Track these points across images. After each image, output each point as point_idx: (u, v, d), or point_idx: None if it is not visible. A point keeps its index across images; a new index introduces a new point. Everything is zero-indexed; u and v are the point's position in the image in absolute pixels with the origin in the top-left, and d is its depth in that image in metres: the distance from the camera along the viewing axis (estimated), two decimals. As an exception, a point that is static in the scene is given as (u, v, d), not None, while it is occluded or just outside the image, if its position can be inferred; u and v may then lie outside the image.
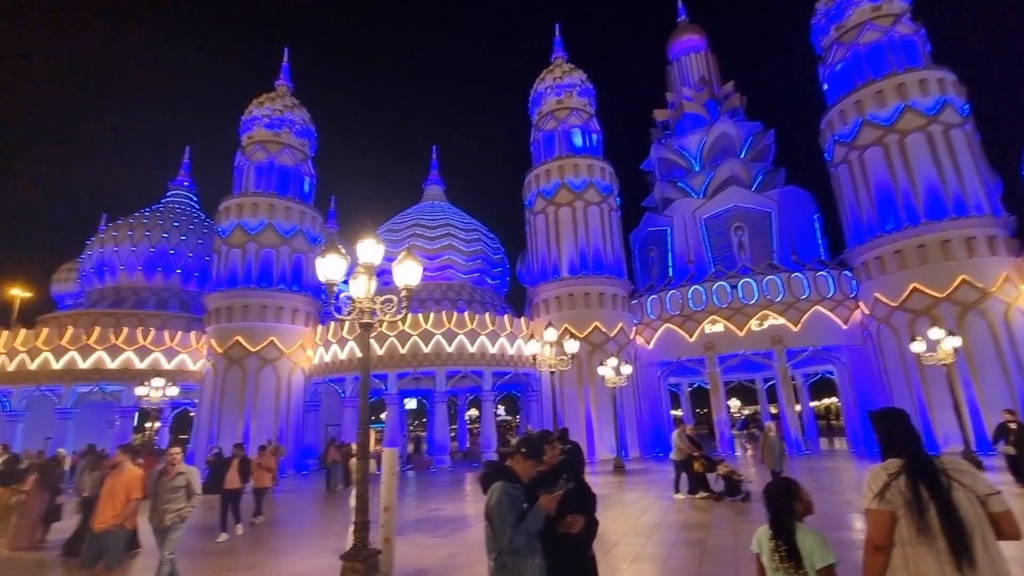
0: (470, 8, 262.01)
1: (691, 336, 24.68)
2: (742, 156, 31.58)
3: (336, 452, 17.87)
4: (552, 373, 14.25)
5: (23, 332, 24.57)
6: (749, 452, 24.67)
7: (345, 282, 6.33)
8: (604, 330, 24.63)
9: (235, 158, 28.35)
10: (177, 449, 6.65)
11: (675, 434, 12.31)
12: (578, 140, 27.88)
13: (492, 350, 24.55)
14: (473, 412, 50.00)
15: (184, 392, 24.44)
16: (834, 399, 54.32)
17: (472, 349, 24.09)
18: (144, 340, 25.02)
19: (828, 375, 27.66)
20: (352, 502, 6.92)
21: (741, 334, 23.69)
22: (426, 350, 23.56)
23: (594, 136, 28.58)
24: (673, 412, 29.79)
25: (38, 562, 8.92)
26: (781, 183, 30.10)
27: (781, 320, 23.26)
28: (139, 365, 24.44)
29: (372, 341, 23.52)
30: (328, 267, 5.89)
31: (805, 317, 23.03)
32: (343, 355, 24.51)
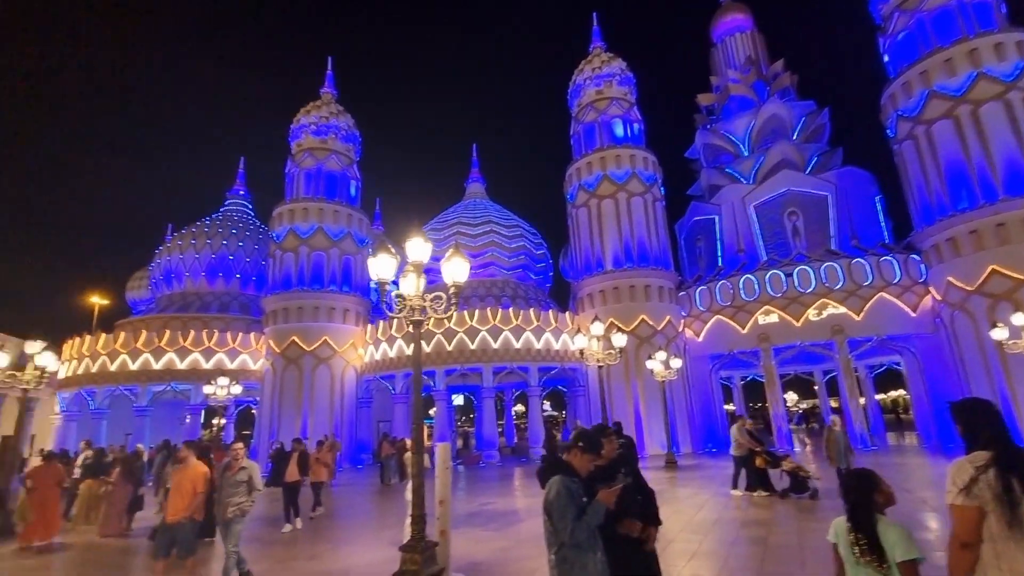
0: (506, 3, 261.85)
1: (743, 328, 23.80)
2: (794, 138, 30.11)
3: (389, 447, 18.38)
4: (600, 367, 14.06)
5: (103, 336, 26.58)
6: (808, 448, 23.59)
7: (394, 282, 6.47)
8: (651, 323, 24.14)
9: (286, 165, 29.54)
10: (240, 445, 6.88)
11: (735, 428, 11.89)
12: (619, 130, 27.35)
13: (537, 345, 24.54)
14: (519, 408, 50.27)
15: (246, 390, 25.79)
16: (901, 392, 51.16)
17: (517, 345, 24.17)
18: (209, 342, 26.53)
19: (895, 366, 26.01)
20: (408, 495, 7.09)
21: (798, 324, 22.64)
22: (472, 347, 23.82)
23: (635, 125, 27.96)
24: (726, 406, 28.85)
25: (125, 548, 9.63)
26: (838, 164, 28.49)
27: (842, 309, 22.06)
28: (205, 365, 25.94)
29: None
30: (380, 267, 6.03)
31: (868, 305, 21.74)
32: (392, 353, 25.14)
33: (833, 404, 37.15)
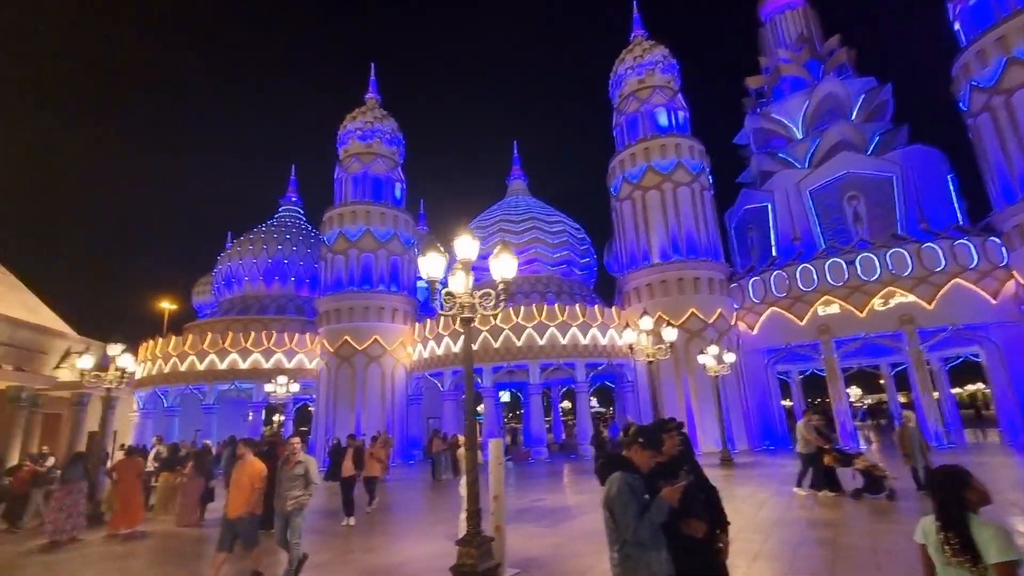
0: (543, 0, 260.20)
1: (801, 319, 22.71)
2: (853, 117, 28.39)
3: (441, 443, 18.70)
4: (650, 363, 13.76)
5: (173, 339, 28.38)
6: (874, 445, 22.26)
7: (441, 281, 6.53)
8: (701, 316, 23.41)
9: (334, 171, 30.55)
10: (296, 439, 7.02)
11: (801, 424, 11.31)
12: (663, 119, 26.62)
13: (584, 341, 24.31)
14: (566, 404, 50.04)
15: (303, 388, 26.91)
16: (980, 385, 47.42)
17: (564, 341, 24.04)
18: (268, 343, 27.82)
19: (972, 358, 24.12)
20: (462, 491, 7.17)
21: (862, 315, 21.39)
22: (519, 343, 23.87)
23: (680, 114, 27.14)
24: (783, 402, 27.62)
25: (200, 537, 10.25)
26: (903, 143, 26.64)
27: (911, 297, 20.66)
28: (265, 365, 27.22)
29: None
30: (430, 265, 6.11)
31: (941, 292, 20.26)
32: (440, 351, 25.56)
33: (902, 399, 34.93)
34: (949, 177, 24.62)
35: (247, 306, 33.69)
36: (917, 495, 9.92)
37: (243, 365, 27.19)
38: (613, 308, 26.50)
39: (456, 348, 24.84)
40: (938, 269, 20.46)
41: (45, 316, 28.29)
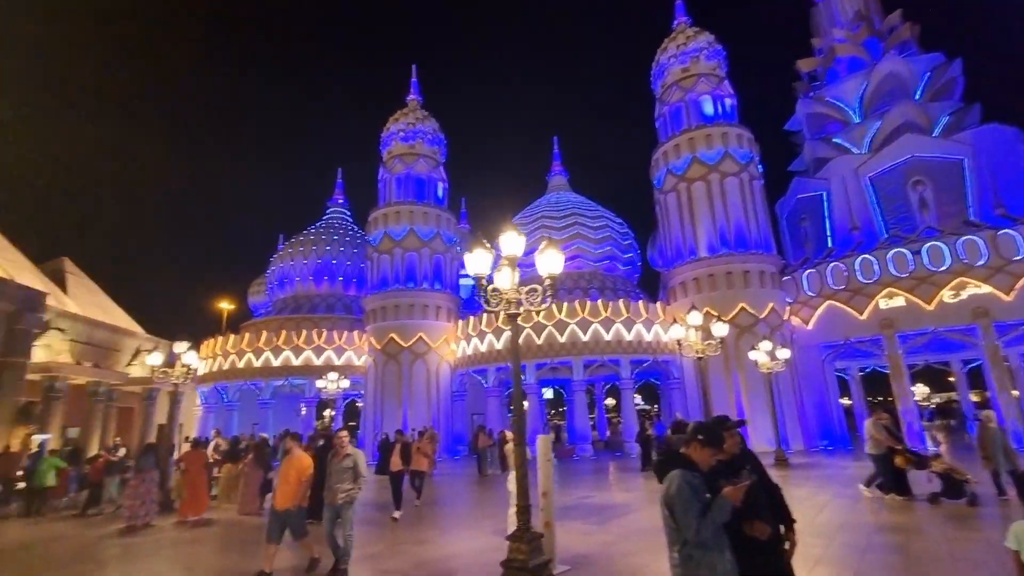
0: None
1: (861, 313, 21.51)
2: (918, 97, 26.59)
3: (487, 438, 18.84)
4: (700, 359, 13.38)
5: (232, 337, 29.87)
6: (944, 447, 20.82)
7: (488, 278, 6.54)
8: (752, 311, 22.56)
9: (378, 173, 31.28)
10: (344, 432, 7.12)
11: (869, 423, 10.66)
12: (708, 108, 25.76)
13: (628, 337, 23.93)
14: (610, 401, 49.42)
15: (352, 384, 27.73)
16: (1066, 383, 43.54)
17: (608, 337, 23.74)
18: (318, 340, 28.85)
19: (1058, 353, 22.20)
20: (510, 486, 7.18)
21: (929, 307, 20.05)
22: (562, 340, 23.74)
23: (727, 101, 26.18)
24: (842, 400, 26.25)
25: (260, 525, 10.68)
26: (975, 122, 24.74)
27: (985, 288, 19.20)
28: (316, 362, 28.23)
29: (509, 334, 24.45)
30: (476, 262, 6.13)
31: (1021, 283, 18.72)
32: (483, 347, 25.76)
33: (974, 398, 32.58)
34: (1029, 158, 22.71)
35: (299, 305, 35.03)
36: (999, 501, 9.22)
37: (296, 362, 28.30)
38: (658, 304, 25.95)
39: (499, 345, 24.97)
40: (1017, 258, 18.91)
41: (117, 316, 30.36)
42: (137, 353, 28.00)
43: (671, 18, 28.85)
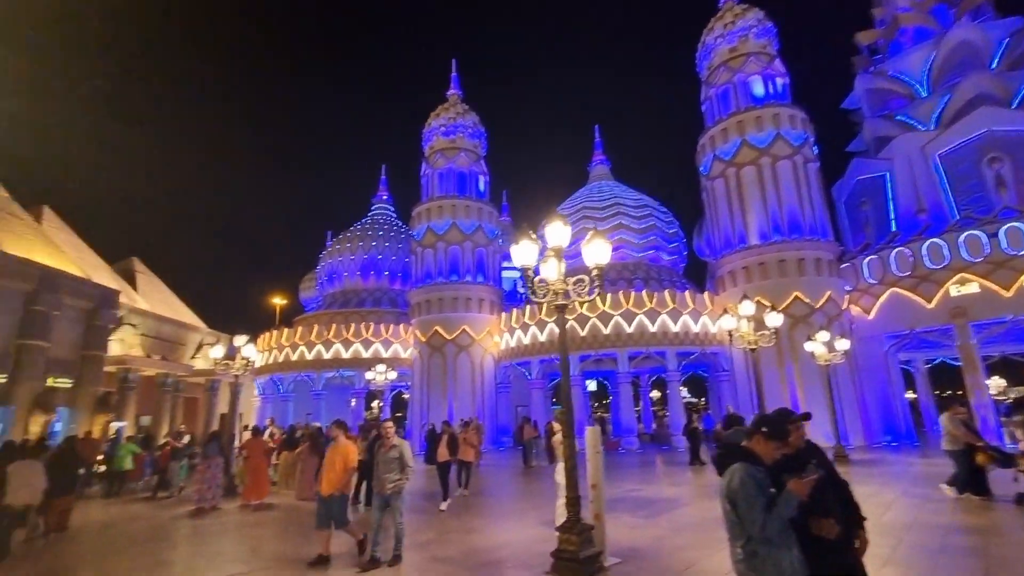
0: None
1: (929, 301, 20.13)
2: (994, 66, 24.46)
3: (532, 430, 18.91)
4: (753, 350, 12.90)
5: (285, 331, 31.18)
6: (1022, 444, 19.28)
7: (517, 269, 6.50)
8: (807, 300, 21.52)
9: (421, 168, 31.74)
10: (389, 423, 7.17)
11: (945, 418, 9.96)
12: (759, 89, 24.61)
13: (675, 328, 23.39)
14: (655, 393, 48.58)
15: (399, 376, 28.44)
16: None
17: (653, 328, 23.29)
18: (366, 333, 29.69)
19: None
20: (558, 478, 7.17)
21: (1008, 294, 18.53)
22: (606, 331, 23.48)
23: (779, 80, 24.93)
24: (907, 394, 24.73)
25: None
26: (1061, 91, 22.57)
27: (1074, 273, 17.56)
28: (365, 355, 29.09)
29: (552, 326, 24.37)
30: (522, 253, 6.11)
31: (1116, 266, 17.02)
32: (527, 340, 25.80)
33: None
34: None
35: (347, 300, 36.18)
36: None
37: (345, 355, 29.24)
38: (705, 294, 25.22)
39: (543, 337, 24.95)
40: (1112, 238, 17.19)
41: (181, 312, 32.26)
42: (200, 346, 29.71)
43: (717, -2, 27.71)
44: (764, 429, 2.85)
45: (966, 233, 19.54)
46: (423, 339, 27.80)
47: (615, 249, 30.99)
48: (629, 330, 23.29)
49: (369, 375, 24.29)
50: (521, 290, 40.00)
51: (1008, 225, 18.79)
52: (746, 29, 25.24)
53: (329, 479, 6.69)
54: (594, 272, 6.20)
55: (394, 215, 42.22)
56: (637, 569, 6.14)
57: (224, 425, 20.72)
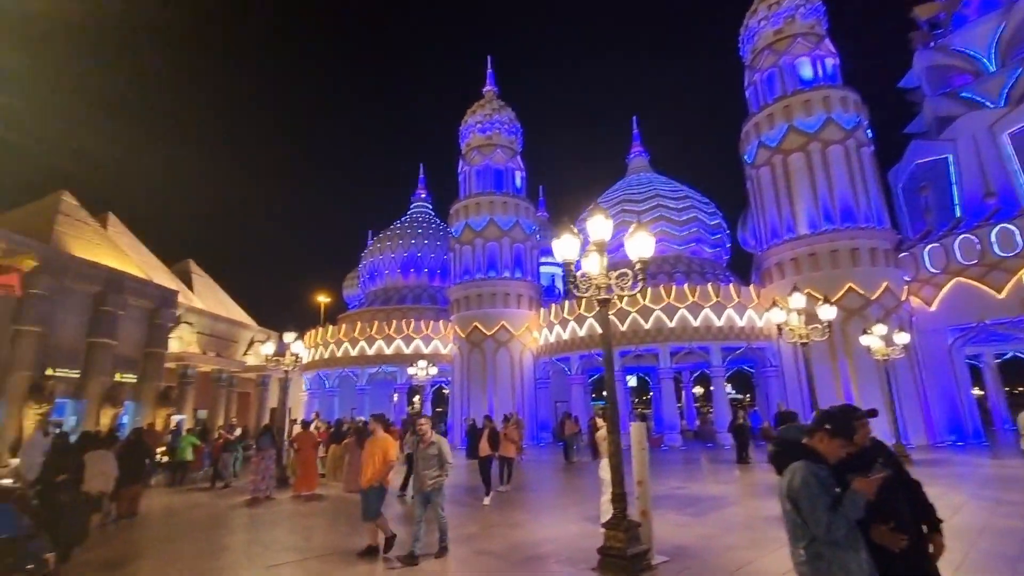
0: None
1: (999, 291, 18.79)
2: (1071, 35, 22.52)
3: (573, 425, 18.82)
4: (803, 345, 12.39)
5: (330, 328, 32.16)
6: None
7: (561, 264, 6.42)
8: (862, 292, 20.48)
9: (458, 165, 32.00)
10: (423, 419, 7.12)
11: (1023, 418, 9.36)
12: (807, 71, 23.50)
13: (719, 323, 22.73)
14: (698, 390, 47.46)
15: (440, 372, 28.85)
16: None
17: (696, 323, 22.71)
18: (407, 330, 30.26)
19: None
20: (602, 474, 7.11)
21: (1090, 283, 17.09)
22: (646, 326, 23.06)
23: (828, 61, 23.73)
24: (974, 391, 23.18)
25: (363, 502, 11.50)
26: None
27: None
28: (406, 351, 29.66)
29: (592, 321, 24.14)
30: (564, 247, 6.06)
31: None
32: (566, 335, 25.67)
33: None
34: None
35: (388, 297, 36.97)
36: None
37: (387, 351, 29.89)
38: (751, 287, 24.39)
39: (582, 332, 24.76)
40: None
41: (234, 310, 33.77)
42: (251, 343, 31.03)
43: (760, -22, 26.56)
44: (828, 426, 2.72)
45: (1041, 217, 18.12)
46: (462, 335, 28.08)
47: (656, 242, 30.53)
48: (671, 325, 22.80)
49: (411, 371, 24.74)
50: (559, 286, 39.84)
51: (1091, 207, 17.29)
52: (792, 9, 24.14)
53: (368, 472, 6.80)
54: (637, 266, 6.09)
55: (432, 213, 42.82)
56: (686, 568, 6.01)
57: (274, 419, 21.61)
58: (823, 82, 23.16)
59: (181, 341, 25.40)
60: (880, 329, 15.55)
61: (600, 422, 7.97)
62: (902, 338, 16.26)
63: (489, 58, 33.28)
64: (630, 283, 6.14)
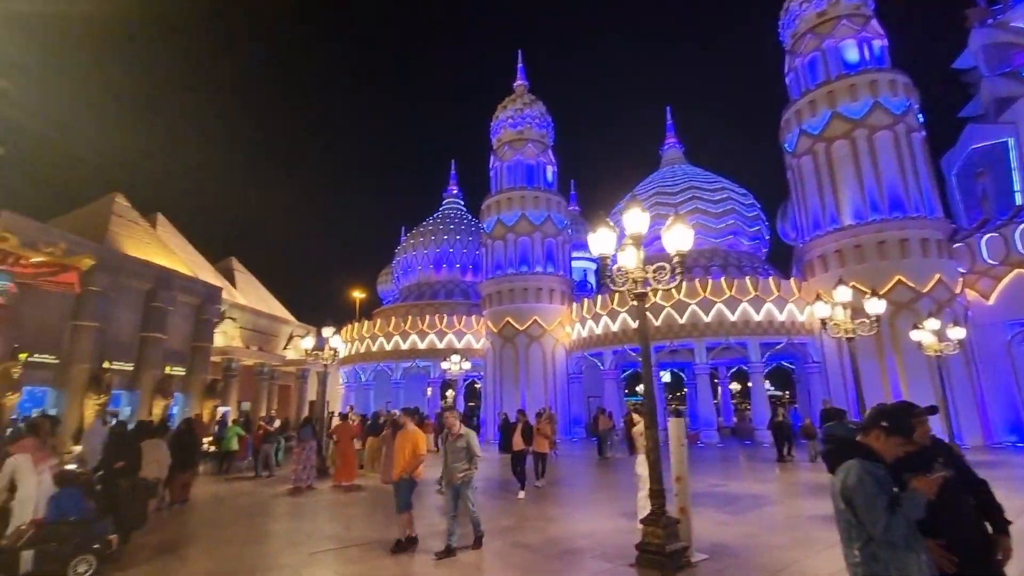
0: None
1: (1066, 283, 17.60)
2: None
3: (607, 420, 18.69)
4: (849, 340, 11.91)
5: (366, 323, 32.85)
6: None
7: (593, 259, 6.34)
8: (912, 285, 19.52)
9: (489, 161, 32.06)
10: (450, 413, 7.10)
11: None
12: (852, 54, 22.46)
13: (757, 317, 22.11)
14: (735, 386, 46.34)
15: (473, 366, 29.08)
16: None
17: (733, 318, 22.15)
18: (440, 325, 30.62)
19: None
20: (639, 469, 7.03)
21: None
22: (681, 321, 22.64)
23: (876, 44, 22.62)
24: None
25: (400, 493, 11.72)
26: None
27: None
28: (439, 345, 30.02)
29: (625, 315, 23.87)
30: (600, 241, 5.99)
31: None
32: (598, 330, 25.46)
33: None
34: None
35: (421, 292, 37.47)
36: None
37: (421, 345, 30.33)
38: (791, 280, 23.60)
39: (615, 327, 24.51)
40: None
41: (274, 306, 34.89)
42: (291, 338, 32.02)
43: (801, -42, 25.49)
44: (884, 423, 2.60)
45: (1115, 203, 16.83)
46: (495, 330, 28.21)
47: (690, 235, 29.85)
48: (707, 319, 22.31)
49: (445, 365, 25.08)
50: (591, 281, 39.50)
51: None
52: (836, -10, 23.07)
53: (398, 464, 6.90)
54: (675, 259, 5.96)
55: (464, 208, 43.07)
56: (727, 566, 5.89)
57: (313, 411, 22.26)
58: (870, 65, 22.10)
59: (225, 336, 26.42)
60: (932, 324, 14.79)
61: (637, 417, 7.87)
62: (957, 333, 15.41)
63: (519, 52, 33.19)
64: (667, 277, 6.03)
